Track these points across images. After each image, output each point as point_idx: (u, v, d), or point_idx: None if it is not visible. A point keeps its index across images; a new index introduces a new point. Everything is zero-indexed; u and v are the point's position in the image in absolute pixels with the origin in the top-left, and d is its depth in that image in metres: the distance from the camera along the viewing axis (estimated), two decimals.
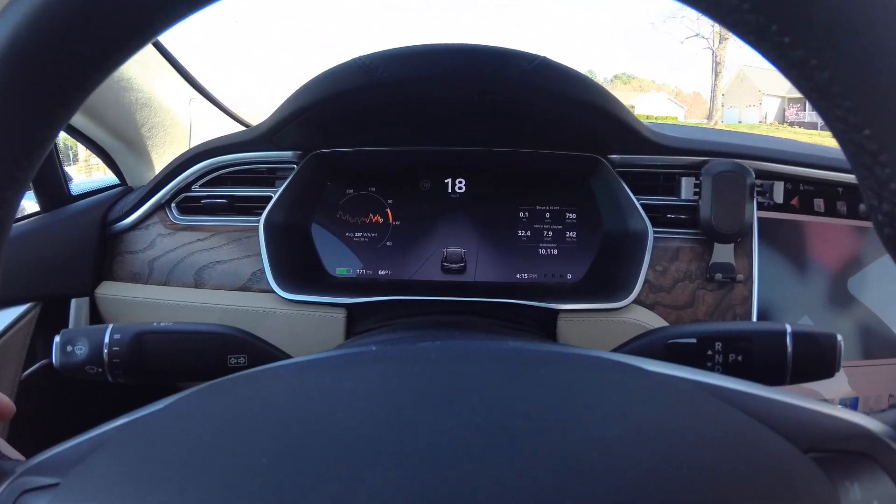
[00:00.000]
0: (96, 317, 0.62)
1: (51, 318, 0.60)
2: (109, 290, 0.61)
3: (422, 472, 0.15)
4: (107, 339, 0.36)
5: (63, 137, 0.82)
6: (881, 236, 0.17)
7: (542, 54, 0.45)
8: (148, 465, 0.16)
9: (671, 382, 0.19)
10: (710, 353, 0.36)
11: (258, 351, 0.39)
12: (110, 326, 0.37)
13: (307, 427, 0.17)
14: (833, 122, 0.16)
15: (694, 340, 0.37)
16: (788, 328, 0.35)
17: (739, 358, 0.35)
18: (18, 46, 0.16)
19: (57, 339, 0.37)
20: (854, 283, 0.64)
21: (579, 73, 0.47)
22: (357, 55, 0.46)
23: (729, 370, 0.36)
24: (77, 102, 0.18)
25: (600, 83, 0.50)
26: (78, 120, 0.64)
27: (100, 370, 0.36)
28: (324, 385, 0.20)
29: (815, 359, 0.34)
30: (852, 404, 0.67)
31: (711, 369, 0.36)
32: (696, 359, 0.36)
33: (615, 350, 0.39)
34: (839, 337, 0.34)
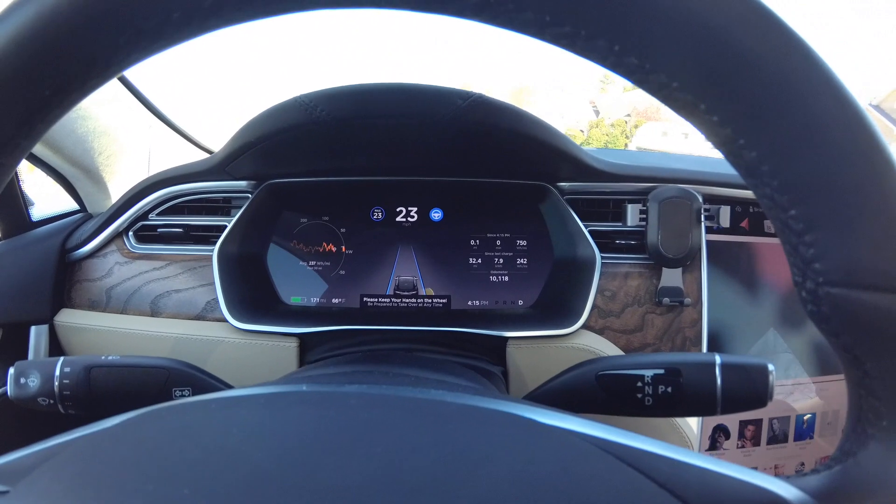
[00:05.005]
0: (55, 344, 0.62)
1: (11, 345, 0.61)
2: (68, 318, 0.61)
3: None
4: (57, 372, 0.38)
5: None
6: (805, 311, 0.17)
7: (478, 91, 0.46)
8: (89, 482, 0.18)
9: (571, 442, 0.19)
10: (640, 384, 0.36)
11: (202, 384, 0.41)
12: (61, 360, 0.38)
13: (222, 462, 0.18)
14: (762, 199, 0.16)
15: (624, 373, 0.36)
16: (718, 359, 0.34)
17: (669, 390, 0.35)
18: None
19: (11, 371, 0.38)
20: None
21: (514, 107, 0.48)
22: (299, 93, 0.47)
23: (659, 402, 0.35)
24: (38, 134, 0.18)
25: None
26: (36, 147, 0.64)
27: (51, 402, 0.38)
28: (247, 422, 0.21)
29: (746, 389, 0.34)
30: (810, 419, 0.68)
31: (642, 401, 0.36)
32: (627, 391, 0.36)
33: (548, 382, 0.39)
34: (770, 367, 0.34)
